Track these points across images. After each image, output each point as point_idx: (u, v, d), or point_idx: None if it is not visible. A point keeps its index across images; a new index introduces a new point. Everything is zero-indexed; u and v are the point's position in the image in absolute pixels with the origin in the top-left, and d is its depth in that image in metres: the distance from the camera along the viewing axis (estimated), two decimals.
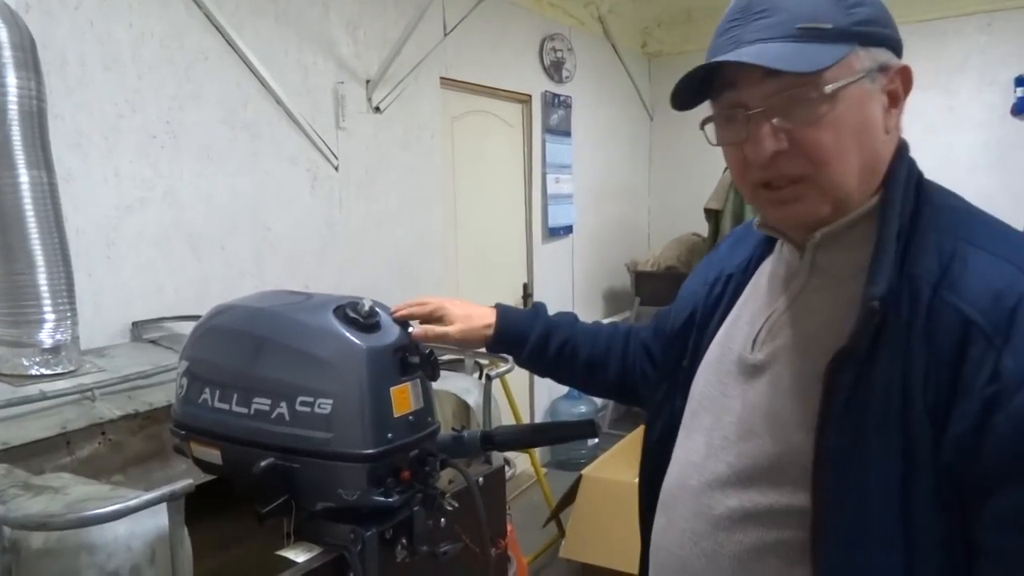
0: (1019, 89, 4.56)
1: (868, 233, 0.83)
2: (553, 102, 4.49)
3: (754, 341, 0.92)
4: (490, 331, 1.25)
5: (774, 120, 0.81)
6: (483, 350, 1.30)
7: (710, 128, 0.88)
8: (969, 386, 0.72)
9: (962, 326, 0.73)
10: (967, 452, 0.72)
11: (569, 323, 1.29)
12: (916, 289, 0.77)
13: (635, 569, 1.11)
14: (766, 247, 1.00)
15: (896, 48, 0.84)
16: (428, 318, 1.25)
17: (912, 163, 0.87)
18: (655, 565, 1.00)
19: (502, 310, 1.27)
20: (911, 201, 0.83)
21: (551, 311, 1.31)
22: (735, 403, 0.91)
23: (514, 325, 1.26)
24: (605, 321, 1.36)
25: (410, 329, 1.24)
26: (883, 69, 0.82)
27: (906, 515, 0.75)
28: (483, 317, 1.25)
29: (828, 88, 0.78)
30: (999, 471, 0.71)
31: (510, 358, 1.36)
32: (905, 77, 0.83)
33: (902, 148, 0.87)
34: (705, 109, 0.89)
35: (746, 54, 0.80)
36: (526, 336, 1.25)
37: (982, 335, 0.72)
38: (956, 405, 0.73)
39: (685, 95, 0.87)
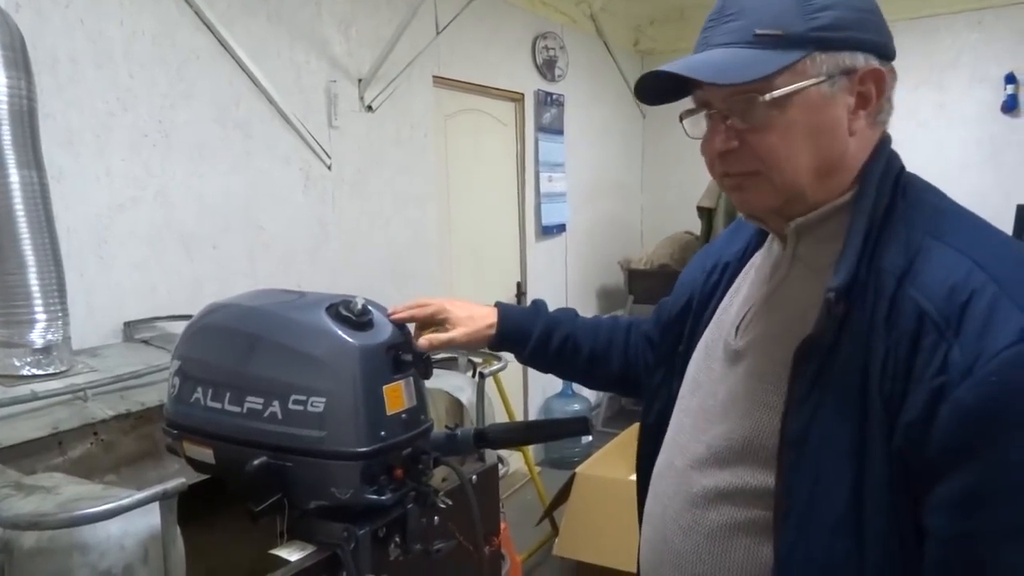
0: (1009, 86, 4.58)
1: (844, 226, 0.85)
2: (546, 100, 4.49)
3: (737, 328, 0.96)
4: (493, 331, 1.25)
5: (729, 120, 0.85)
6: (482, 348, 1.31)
7: (688, 121, 0.92)
8: (920, 376, 0.74)
9: (917, 318, 0.76)
10: (915, 440, 0.74)
11: (570, 319, 1.30)
12: (881, 282, 0.80)
13: (628, 566, 1.12)
14: (761, 237, 1.03)
15: (876, 49, 0.84)
16: (429, 320, 1.26)
17: (892, 157, 0.88)
18: (643, 539, 1.04)
19: (503, 309, 1.28)
20: (887, 196, 0.84)
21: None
22: (719, 387, 0.95)
23: (516, 323, 1.27)
24: (604, 316, 1.38)
25: (408, 327, 1.24)
26: (847, 72, 0.82)
27: (859, 499, 0.78)
28: (485, 317, 1.26)
29: (769, 96, 0.81)
30: (943, 459, 0.73)
31: (506, 356, 1.37)
32: (877, 79, 0.84)
33: (882, 143, 0.88)
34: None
35: (687, 63, 0.84)
36: (528, 334, 1.26)
37: (934, 327, 0.75)
38: (908, 394, 0.75)
39: (654, 92, 0.90)
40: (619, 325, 1.31)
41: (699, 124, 0.90)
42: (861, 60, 0.83)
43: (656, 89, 0.89)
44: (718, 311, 1.03)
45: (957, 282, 0.75)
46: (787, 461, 0.82)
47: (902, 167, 0.88)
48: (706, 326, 1.04)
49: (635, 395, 1.28)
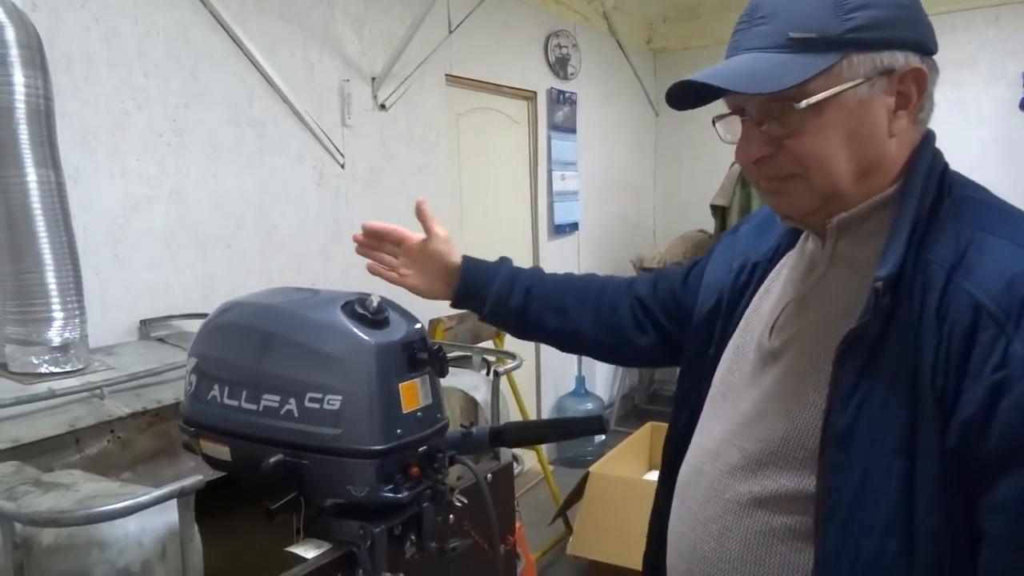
0: None
1: (887, 222, 0.83)
2: (558, 99, 4.49)
3: (771, 328, 0.93)
4: (458, 263, 1.24)
5: (764, 127, 0.83)
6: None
7: (720, 124, 0.90)
8: (978, 371, 0.72)
9: (973, 311, 0.73)
10: (973, 437, 0.72)
11: (537, 277, 1.26)
12: (930, 275, 0.77)
13: (641, 566, 1.11)
14: (793, 236, 1.01)
15: (916, 46, 0.82)
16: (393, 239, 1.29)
17: (937, 154, 0.87)
18: (670, 546, 1.02)
19: (465, 258, 1.26)
20: (933, 190, 0.83)
21: None
22: (751, 390, 0.92)
23: (479, 269, 1.25)
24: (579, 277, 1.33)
25: (424, 327, 1.23)
26: (887, 72, 0.80)
27: (910, 499, 0.75)
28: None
29: (804, 103, 0.79)
30: (1004, 457, 0.71)
31: (520, 355, 1.35)
32: (917, 77, 0.81)
33: (926, 139, 0.87)
34: (716, 105, 0.90)
35: (721, 71, 0.82)
36: (492, 280, 1.24)
37: (993, 321, 0.72)
38: (964, 390, 0.73)
39: (682, 97, 0.88)
40: (594, 289, 1.26)
41: (733, 127, 0.88)
42: (901, 59, 0.80)
43: (685, 94, 0.87)
44: (747, 312, 1.01)
45: (1016, 274, 0.73)
46: (830, 460, 0.79)
47: (946, 164, 0.87)
48: (735, 328, 1.02)
49: (617, 359, 1.27)
